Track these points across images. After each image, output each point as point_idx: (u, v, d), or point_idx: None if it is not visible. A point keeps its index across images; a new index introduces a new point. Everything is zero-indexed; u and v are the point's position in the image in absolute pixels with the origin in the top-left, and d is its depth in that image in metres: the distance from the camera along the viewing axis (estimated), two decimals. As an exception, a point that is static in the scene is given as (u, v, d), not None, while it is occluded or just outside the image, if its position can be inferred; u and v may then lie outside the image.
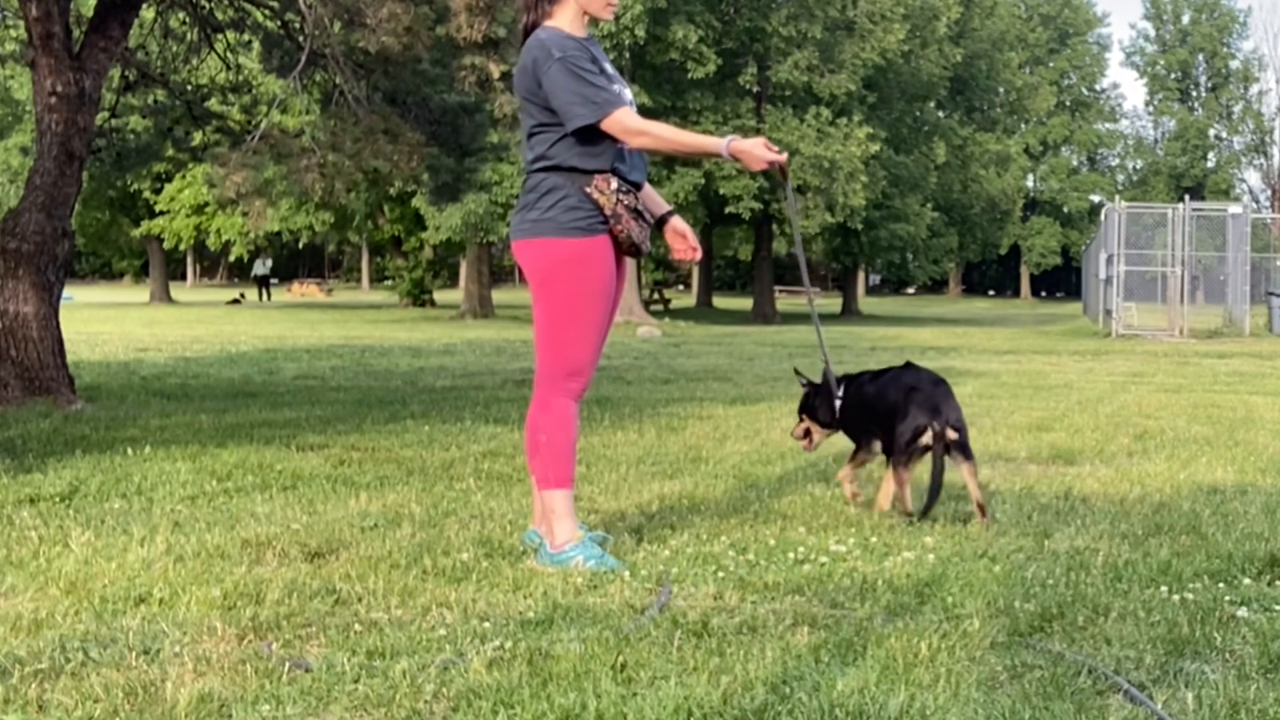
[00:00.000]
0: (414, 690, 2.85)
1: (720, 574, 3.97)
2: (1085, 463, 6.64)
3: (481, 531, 4.58)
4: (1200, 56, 70.09)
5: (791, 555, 4.22)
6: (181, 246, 48.36)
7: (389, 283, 55.42)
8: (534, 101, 4.18)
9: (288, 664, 3.00)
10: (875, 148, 34.32)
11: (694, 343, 21.91)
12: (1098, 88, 72.33)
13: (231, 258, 52.40)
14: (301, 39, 9.52)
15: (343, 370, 13.53)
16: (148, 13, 10.96)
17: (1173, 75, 70.87)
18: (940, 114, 48.44)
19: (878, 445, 5.13)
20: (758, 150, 4.18)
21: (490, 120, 10.34)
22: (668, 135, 4.31)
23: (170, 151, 12.24)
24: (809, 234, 35.76)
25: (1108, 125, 72.51)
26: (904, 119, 41.83)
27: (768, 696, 2.79)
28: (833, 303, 54.09)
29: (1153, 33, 71.69)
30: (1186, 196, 33.64)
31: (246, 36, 11.31)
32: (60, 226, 9.06)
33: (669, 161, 32.67)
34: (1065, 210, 67.23)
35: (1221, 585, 3.87)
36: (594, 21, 4.32)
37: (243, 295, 48.58)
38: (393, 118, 9.70)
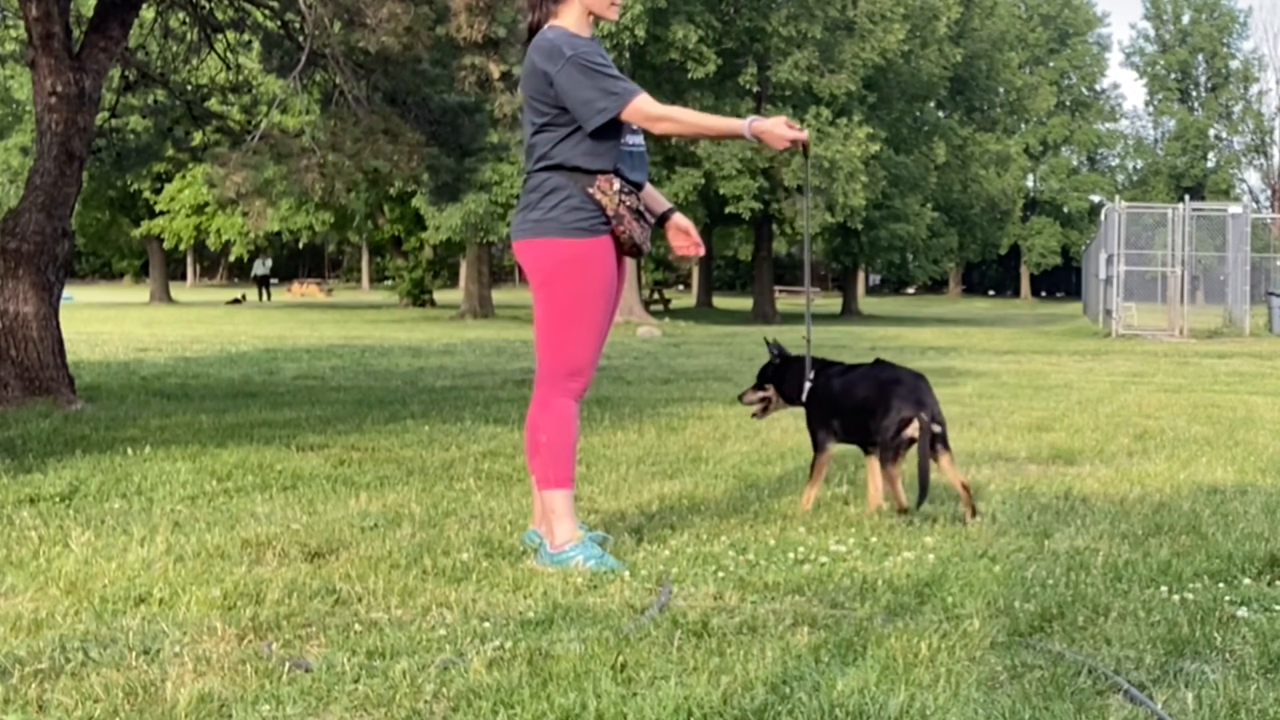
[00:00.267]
0: (414, 690, 2.85)
1: (720, 574, 3.97)
2: (1085, 463, 6.64)
3: (481, 531, 4.58)
4: (1200, 56, 70.09)
5: (791, 555, 4.22)
6: (181, 246, 48.36)
7: (389, 283, 55.42)
8: (541, 101, 4.18)
9: (288, 664, 3.00)
10: (875, 148, 34.32)
11: (694, 343, 21.90)
12: (1098, 88, 72.35)
13: (231, 258, 52.40)
14: (301, 39, 9.52)
15: (343, 370, 13.53)
16: (148, 13, 10.96)
17: (1173, 75, 70.87)
18: (940, 114, 48.44)
19: (833, 445, 5.09)
20: (779, 129, 4.18)
21: (490, 120, 10.34)
22: (690, 119, 4.32)
23: (170, 151, 12.24)
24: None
25: (1108, 125, 72.52)
26: (904, 119, 41.83)
27: (768, 696, 2.79)
28: (833, 303, 54.09)
29: (1153, 33, 71.70)
30: (1186, 196, 33.66)
31: (246, 36, 11.31)
32: (60, 226, 9.06)
33: (669, 161, 32.71)
34: (1065, 210, 67.23)
35: (1221, 585, 3.87)
36: (596, 21, 4.32)
37: (243, 296, 48.57)
38: (393, 118, 9.70)
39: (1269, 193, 66.50)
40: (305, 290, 58.11)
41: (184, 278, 72.13)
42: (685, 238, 4.41)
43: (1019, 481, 5.91)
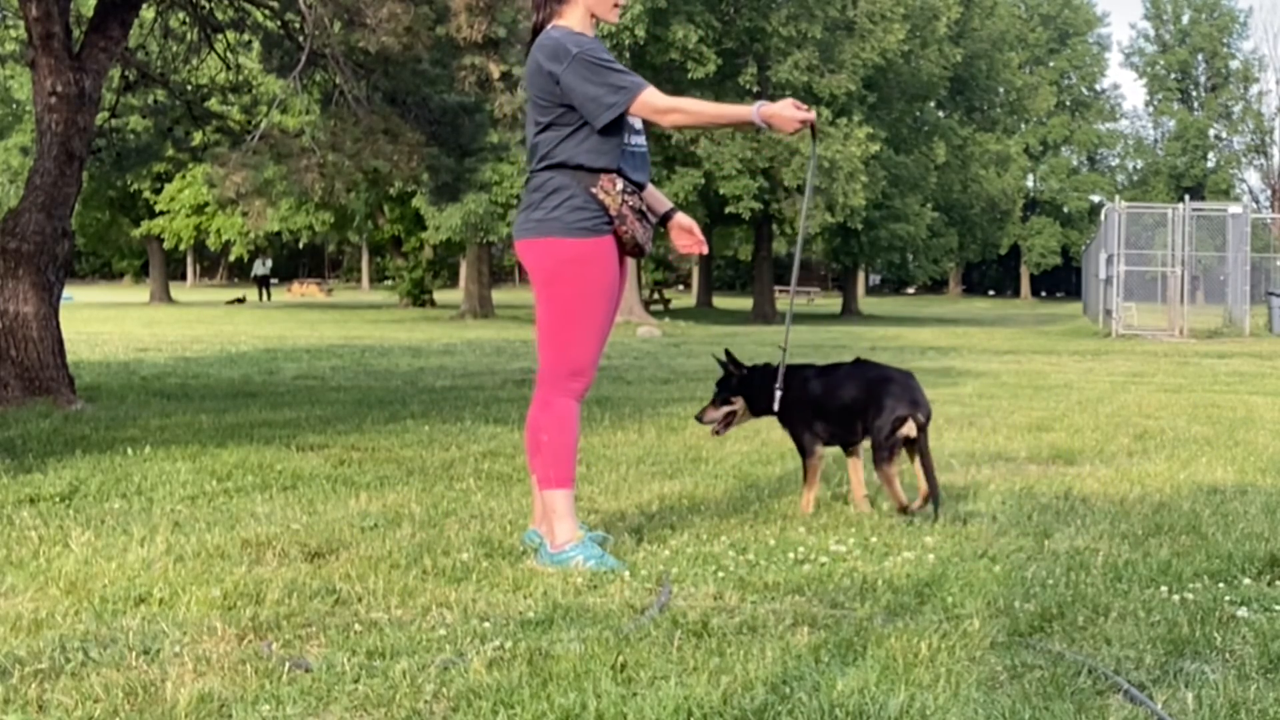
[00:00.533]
0: (414, 690, 2.85)
1: (720, 574, 3.97)
2: (1085, 463, 6.64)
3: (481, 531, 4.58)
4: (1200, 56, 70.07)
5: (791, 555, 4.22)
6: (181, 246, 48.38)
7: (389, 283, 55.43)
8: (545, 101, 4.18)
9: (288, 664, 3.00)
10: (875, 148, 34.32)
11: (694, 343, 21.90)
12: (1098, 88, 72.34)
13: (231, 258, 52.42)
14: (301, 39, 9.52)
15: (343, 370, 13.53)
16: (148, 13, 10.96)
17: (1173, 75, 70.86)
18: (940, 114, 48.45)
19: (820, 448, 5.06)
20: (787, 112, 4.17)
21: (490, 120, 10.34)
22: (698, 109, 4.33)
23: (170, 151, 12.25)
24: (809, 234, 35.78)
25: (1108, 125, 72.52)
26: (904, 119, 41.83)
27: (768, 696, 2.79)
28: (833, 303, 54.11)
29: (1152, 33, 71.69)
30: (1186, 196, 33.66)
31: (246, 36, 11.32)
32: (60, 226, 9.06)
33: (669, 161, 32.71)
34: (1065, 210, 67.22)
35: (1221, 585, 3.87)
36: (598, 23, 4.32)
37: (244, 298, 48.58)
38: (393, 118, 9.71)
39: (1269, 193, 66.49)
40: (305, 290, 58.12)
41: (184, 278, 72.14)
42: (688, 237, 4.41)
43: (1019, 481, 5.91)
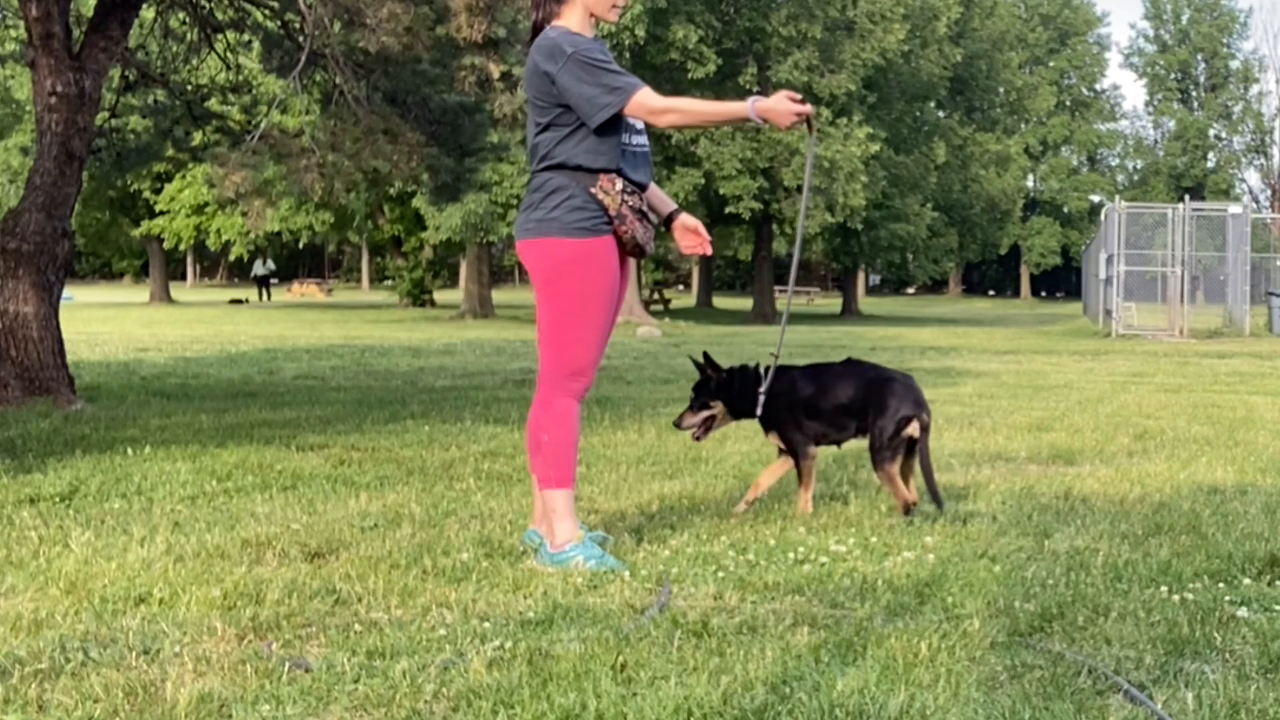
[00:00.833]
0: (414, 690, 2.85)
1: (720, 574, 3.97)
2: (1085, 463, 6.64)
3: (481, 531, 4.58)
4: (1200, 57, 70.07)
5: (791, 555, 4.22)
6: (181, 246, 48.38)
7: (389, 283, 55.41)
8: (543, 101, 4.18)
9: (288, 664, 3.00)
10: (875, 148, 34.32)
11: (694, 343, 21.90)
12: (1098, 88, 72.34)
13: (231, 258, 52.42)
14: (301, 39, 9.51)
15: (343, 370, 13.53)
16: (148, 13, 10.96)
17: (1173, 75, 70.85)
18: (940, 114, 48.45)
19: (814, 448, 5.01)
20: (782, 106, 4.14)
21: (490, 120, 10.34)
22: (693, 108, 4.33)
23: (170, 151, 12.25)
24: (809, 234, 35.77)
25: (1108, 125, 72.52)
26: (904, 119, 41.82)
27: (768, 696, 2.79)
28: (833, 303, 54.09)
29: (1152, 33, 71.68)
30: (1186, 196, 33.65)
31: (246, 36, 11.32)
32: (60, 226, 9.06)
33: (669, 161, 32.71)
34: (1065, 210, 67.22)
35: (1221, 585, 3.87)
36: (597, 23, 4.32)
37: (245, 300, 48.57)
38: (393, 118, 9.71)
39: (1269, 193, 66.50)
40: (305, 290, 58.11)
41: (184, 278, 72.14)
42: (694, 237, 4.41)
43: (1019, 481, 5.91)
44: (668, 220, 4.43)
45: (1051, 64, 68.65)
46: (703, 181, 32.69)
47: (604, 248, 4.18)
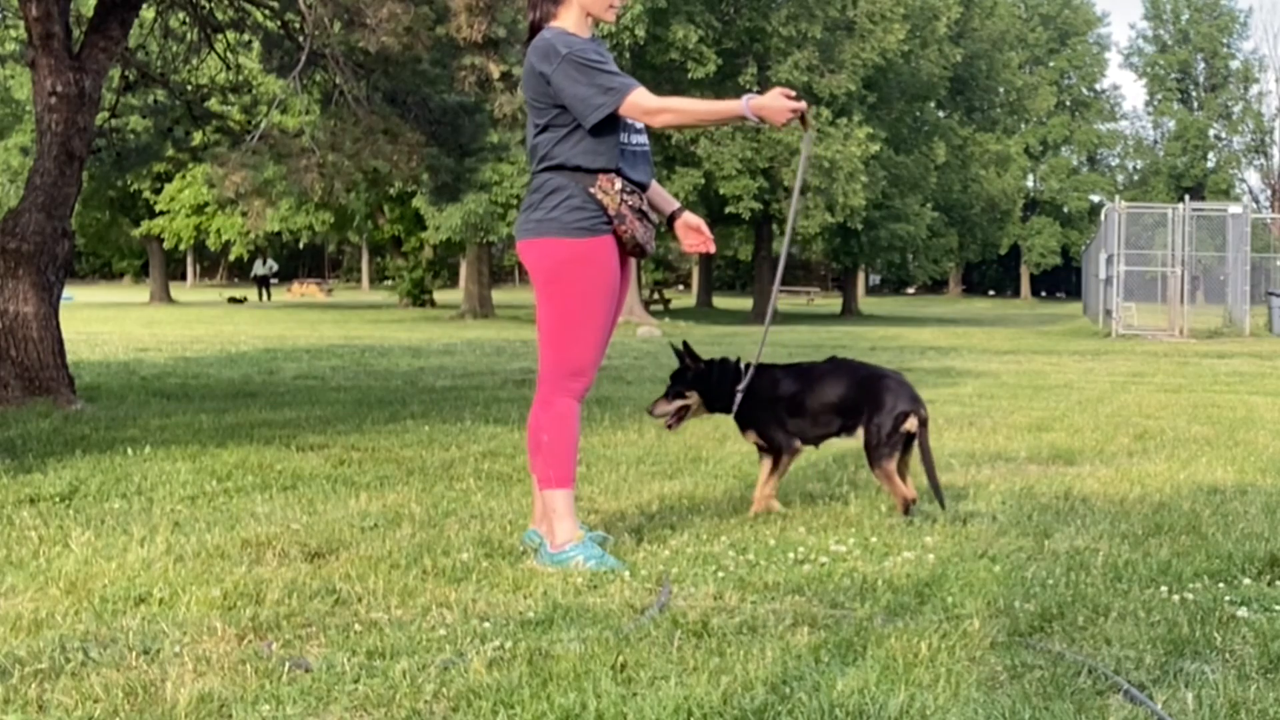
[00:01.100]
0: (414, 690, 2.85)
1: (720, 574, 3.97)
2: (1085, 463, 6.64)
3: (481, 531, 4.58)
4: (1200, 57, 70.06)
5: (791, 555, 4.22)
6: (181, 246, 48.37)
7: (389, 283, 55.41)
8: (540, 102, 4.19)
9: (288, 664, 3.00)
10: (875, 148, 34.32)
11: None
12: (1098, 88, 72.34)
13: (231, 257, 52.42)
14: (301, 39, 9.51)
15: (343, 370, 13.53)
16: (148, 13, 10.96)
17: (1172, 75, 70.85)
18: (940, 114, 48.45)
19: (798, 443, 4.98)
20: (777, 103, 4.15)
21: (490, 120, 10.34)
22: (688, 108, 4.33)
23: (170, 151, 12.25)
24: (809, 234, 35.77)
25: (1108, 125, 72.51)
26: (904, 119, 41.83)
27: (768, 696, 2.79)
28: (833, 303, 54.09)
29: (1152, 33, 71.67)
30: (1186, 196, 33.65)
31: (246, 36, 11.31)
32: (60, 226, 9.05)
33: (669, 161, 32.71)
34: (1065, 210, 67.22)
35: (1221, 585, 3.87)
36: (596, 23, 4.32)
37: (245, 298, 48.56)
38: (393, 118, 9.71)
39: (1269, 193, 66.49)
40: (305, 290, 58.12)
41: (184, 278, 72.13)
42: (697, 235, 4.41)
43: (1019, 481, 5.91)
44: (670, 219, 4.43)
45: (1051, 64, 68.64)
46: (703, 181, 32.69)
47: (604, 248, 4.18)
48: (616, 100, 4.09)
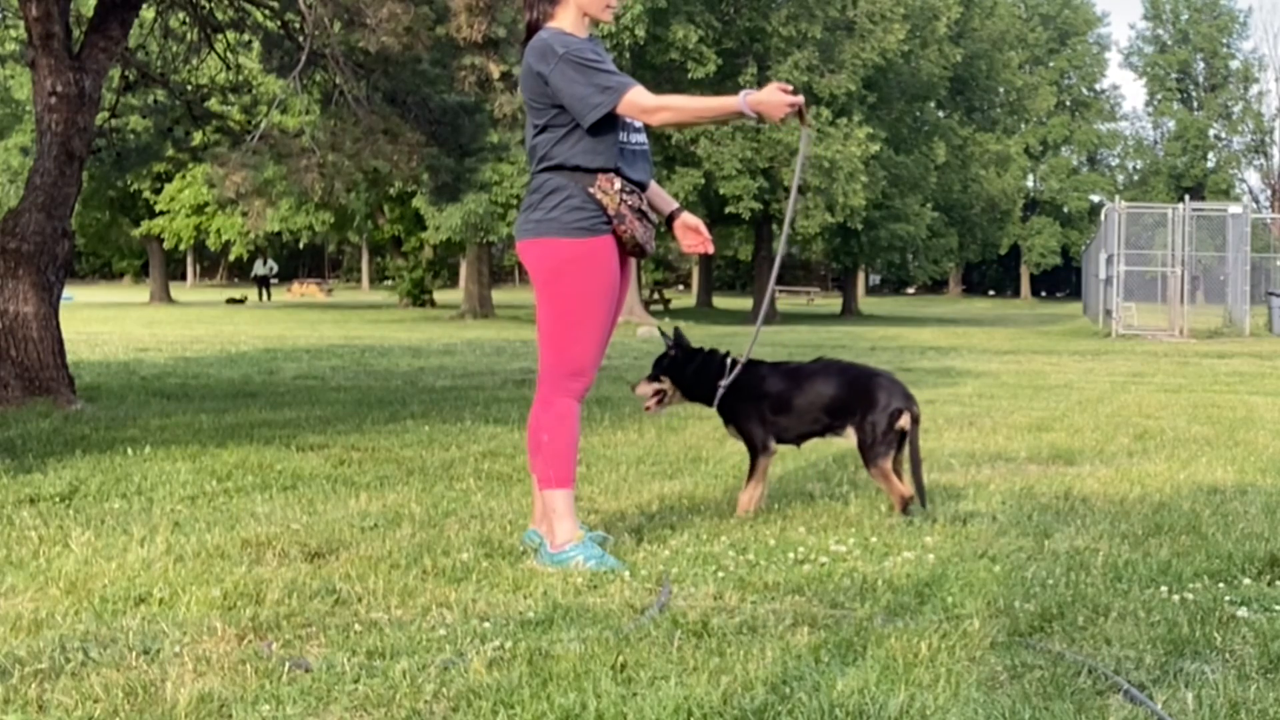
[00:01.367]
0: (414, 690, 2.85)
1: (720, 574, 3.97)
2: (1085, 463, 6.64)
3: (481, 531, 4.58)
4: (1200, 57, 70.05)
5: (791, 555, 4.22)
6: (181, 246, 48.39)
7: (389, 283, 55.42)
8: (538, 102, 4.19)
9: (288, 664, 3.00)
10: (875, 148, 34.30)
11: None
12: (1098, 88, 72.34)
13: (231, 258, 52.43)
14: (301, 39, 9.52)
15: (343, 370, 13.53)
16: (148, 13, 10.96)
17: (1172, 75, 70.84)
18: (940, 114, 48.42)
19: (775, 444, 4.96)
20: (775, 98, 4.13)
21: (490, 120, 10.34)
22: (686, 105, 4.33)
23: (170, 151, 12.25)
24: (809, 234, 35.76)
25: (1108, 125, 72.50)
26: (904, 119, 41.81)
27: (768, 696, 2.79)
28: (833, 303, 54.08)
29: (1152, 33, 71.67)
30: (1186, 196, 33.65)
31: (246, 36, 11.32)
32: (60, 226, 9.05)
33: (669, 161, 32.69)
34: (1065, 210, 67.21)
35: (1221, 585, 3.87)
36: (594, 23, 4.32)
37: (244, 298, 48.56)
38: (393, 118, 9.71)
39: (1269, 193, 66.49)
40: (305, 290, 58.11)
41: (184, 278, 72.13)
42: (695, 236, 4.41)
43: (1019, 481, 5.91)
44: (669, 219, 4.43)
45: (1051, 64, 68.64)
46: (703, 181, 32.68)
47: (603, 247, 4.18)
48: (614, 99, 4.09)
